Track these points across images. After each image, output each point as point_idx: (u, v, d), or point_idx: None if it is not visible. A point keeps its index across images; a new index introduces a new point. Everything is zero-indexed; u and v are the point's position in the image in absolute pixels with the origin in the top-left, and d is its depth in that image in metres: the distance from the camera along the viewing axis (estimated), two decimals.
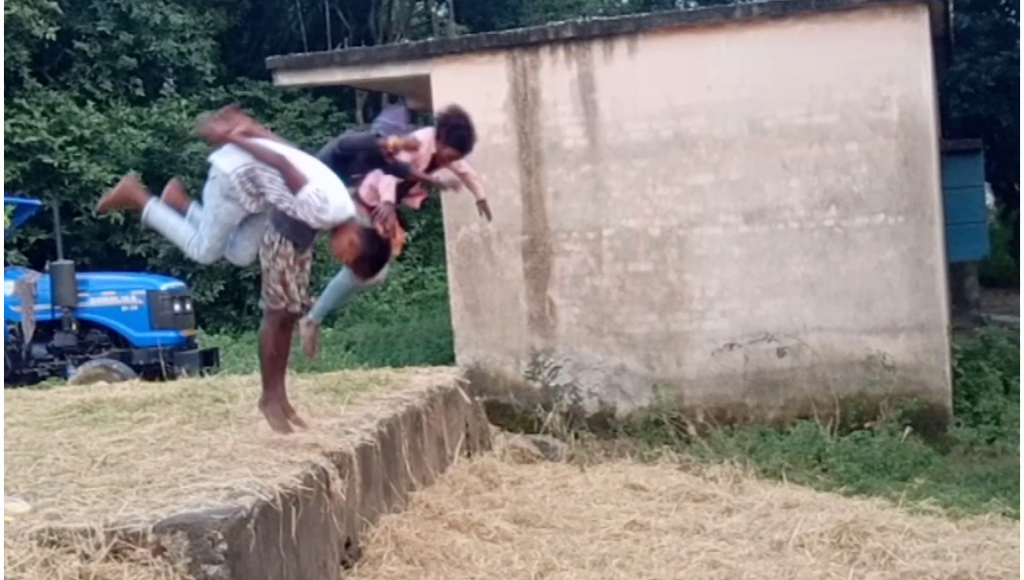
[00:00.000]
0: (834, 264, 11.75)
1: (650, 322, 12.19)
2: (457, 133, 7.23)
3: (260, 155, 5.73)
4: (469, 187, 7.84)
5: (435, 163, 7.34)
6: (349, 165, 6.66)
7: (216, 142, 5.89)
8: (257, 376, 8.36)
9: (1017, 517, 7.32)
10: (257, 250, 5.95)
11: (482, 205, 7.91)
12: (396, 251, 7.11)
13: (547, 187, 12.38)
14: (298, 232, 5.72)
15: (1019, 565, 5.72)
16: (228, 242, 5.95)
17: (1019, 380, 12.13)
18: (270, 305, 5.82)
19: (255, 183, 5.71)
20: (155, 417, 6.47)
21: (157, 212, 6.11)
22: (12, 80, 19.75)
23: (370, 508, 5.90)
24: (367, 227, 5.99)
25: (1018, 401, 11.70)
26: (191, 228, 6.00)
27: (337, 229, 5.69)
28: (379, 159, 6.81)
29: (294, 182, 5.62)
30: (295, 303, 5.82)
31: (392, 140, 6.71)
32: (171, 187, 6.27)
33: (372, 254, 5.85)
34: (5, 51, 18.97)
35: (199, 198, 6.05)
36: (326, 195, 5.61)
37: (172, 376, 11.36)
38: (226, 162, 5.80)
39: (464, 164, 7.63)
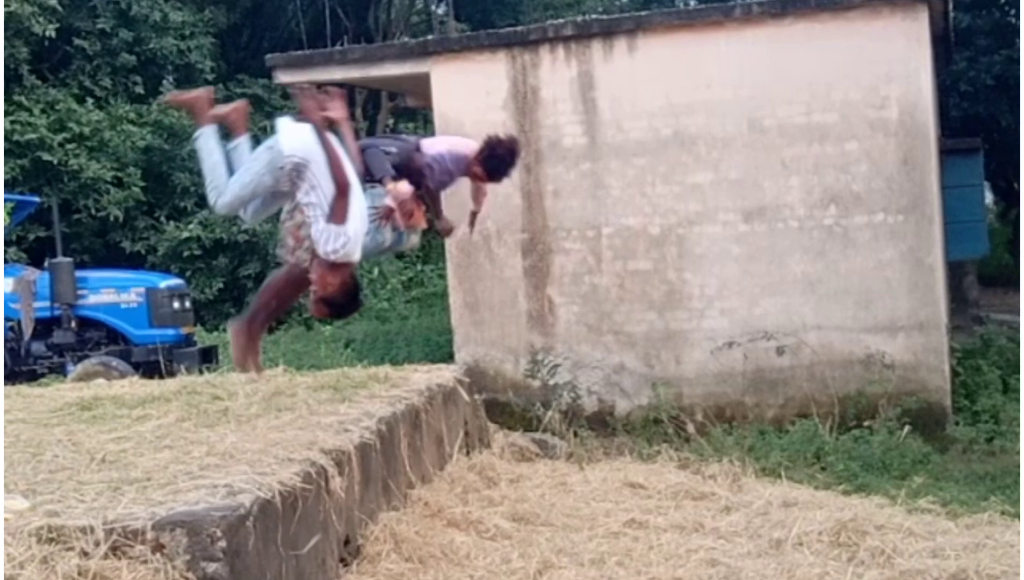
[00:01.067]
0: (833, 263, 11.75)
1: (649, 320, 12.20)
2: (495, 162, 7.06)
3: (332, 164, 5.59)
4: (475, 200, 7.76)
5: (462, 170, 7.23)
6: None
7: (307, 118, 5.75)
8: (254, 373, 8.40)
9: (1016, 516, 7.32)
10: (264, 216, 5.94)
11: (473, 217, 7.82)
12: (421, 224, 6.98)
13: (546, 185, 12.39)
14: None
15: (1018, 564, 5.72)
16: (242, 203, 5.87)
17: (1018, 379, 12.14)
18: (281, 254, 5.84)
19: (300, 177, 5.64)
20: (154, 414, 6.45)
21: (209, 141, 5.91)
22: (12, 77, 19.75)
23: (369, 506, 5.89)
24: (353, 278, 5.88)
25: (1017, 400, 11.71)
26: (225, 174, 5.80)
27: (329, 263, 5.65)
28: (417, 172, 6.75)
29: (336, 214, 5.54)
30: (299, 261, 5.80)
31: (391, 186, 6.58)
32: (239, 107, 6.05)
33: (336, 303, 5.82)
34: (5, 48, 18.96)
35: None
36: (346, 241, 5.59)
37: (171, 374, 11.35)
38: (289, 141, 5.68)
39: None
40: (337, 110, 5.82)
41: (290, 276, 5.91)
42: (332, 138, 5.73)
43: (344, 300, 5.84)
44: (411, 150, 6.74)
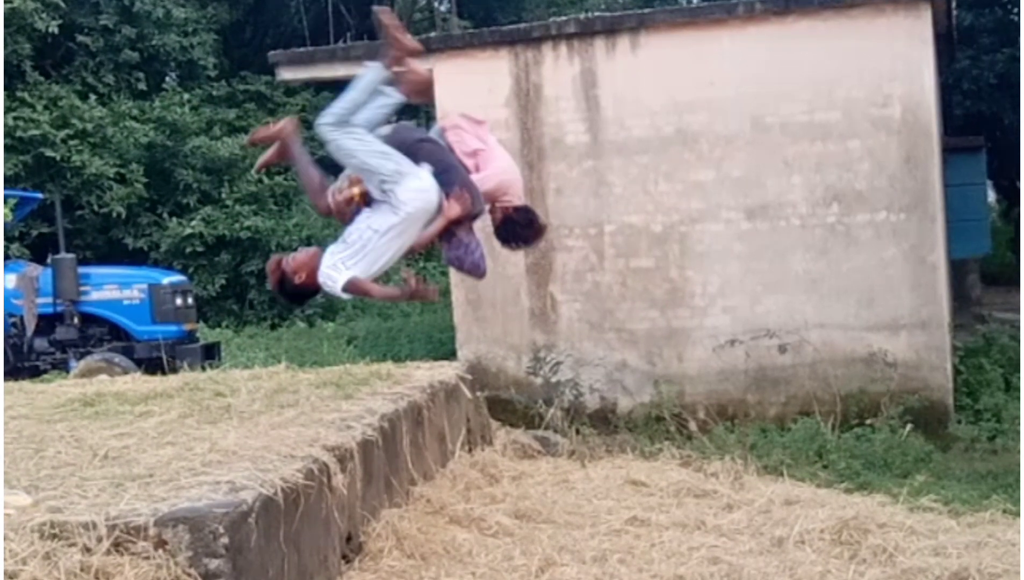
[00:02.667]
0: (836, 261, 11.75)
1: (651, 318, 12.19)
2: (510, 228, 7.01)
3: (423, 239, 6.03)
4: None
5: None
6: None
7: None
8: (257, 370, 8.49)
9: (1017, 514, 7.31)
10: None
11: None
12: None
13: (549, 183, 12.38)
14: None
15: (1020, 562, 5.72)
16: (338, 151, 5.99)
17: (1020, 377, 12.13)
18: (331, 188, 6.27)
19: (380, 205, 5.87)
20: (156, 411, 6.46)
21: (372, 81, 6.02)
22: (14, 73, 19.76)
23: (371, 503, 5.90)
24: (315, 289, 6.22)
25: (1019, 398, 11.69)
26: (354, 112, 5.91)
27: (311, 269, 6.04)
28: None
29: (352, 286, 5.93)
30: (335, 206, 6.15)
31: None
32: (426, 79, 6.27)
33: (286, 289, 6.27)
34: (7, 44, 18.97)
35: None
36: (333, 291, 6.00)
37: (174, 370, 11.35)
38: (413, 191, 5.91)
39: None
40: (457, 210, 6.14)
41: (326, 208, 6.14)
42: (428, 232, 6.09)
43: (293, 291, 6.30)
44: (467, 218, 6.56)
